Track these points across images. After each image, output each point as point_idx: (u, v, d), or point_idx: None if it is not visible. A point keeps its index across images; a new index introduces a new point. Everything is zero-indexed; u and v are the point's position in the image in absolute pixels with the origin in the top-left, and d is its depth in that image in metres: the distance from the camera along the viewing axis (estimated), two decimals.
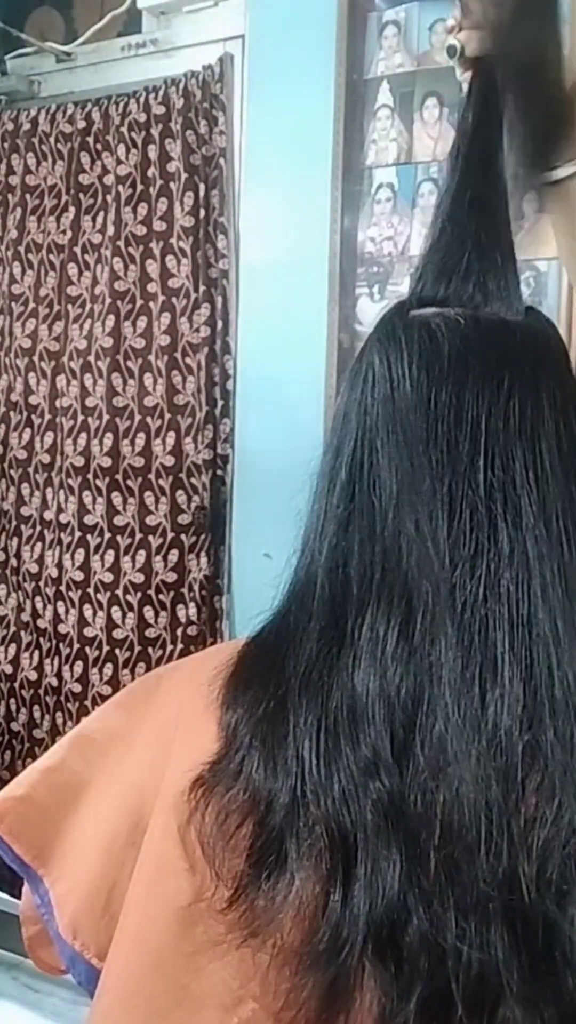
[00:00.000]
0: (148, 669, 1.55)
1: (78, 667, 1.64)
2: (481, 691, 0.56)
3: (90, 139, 1.63)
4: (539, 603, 0.57)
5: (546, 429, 0.60)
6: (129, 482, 1.59)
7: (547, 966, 0.51)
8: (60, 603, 1.67)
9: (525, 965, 0.51)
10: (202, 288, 1.52)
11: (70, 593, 1.65)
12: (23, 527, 1.73)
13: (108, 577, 1.60)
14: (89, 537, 1.62)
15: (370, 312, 1.38)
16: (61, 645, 1.67)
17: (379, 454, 0.62)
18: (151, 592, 1.57)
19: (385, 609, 0.59)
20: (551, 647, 0.56)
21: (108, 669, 1.61)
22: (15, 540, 1.74)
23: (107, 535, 1.60)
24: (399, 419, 0.61)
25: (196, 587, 1.55)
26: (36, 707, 1.73)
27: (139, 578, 1.58)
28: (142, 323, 1.57)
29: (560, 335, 0.66)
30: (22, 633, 1.75)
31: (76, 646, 1.64)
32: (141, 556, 1.58)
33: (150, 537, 1.57)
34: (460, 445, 0.60)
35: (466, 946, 0.51)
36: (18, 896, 0.74)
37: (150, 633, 1.59)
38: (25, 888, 0.71)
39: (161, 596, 1.57)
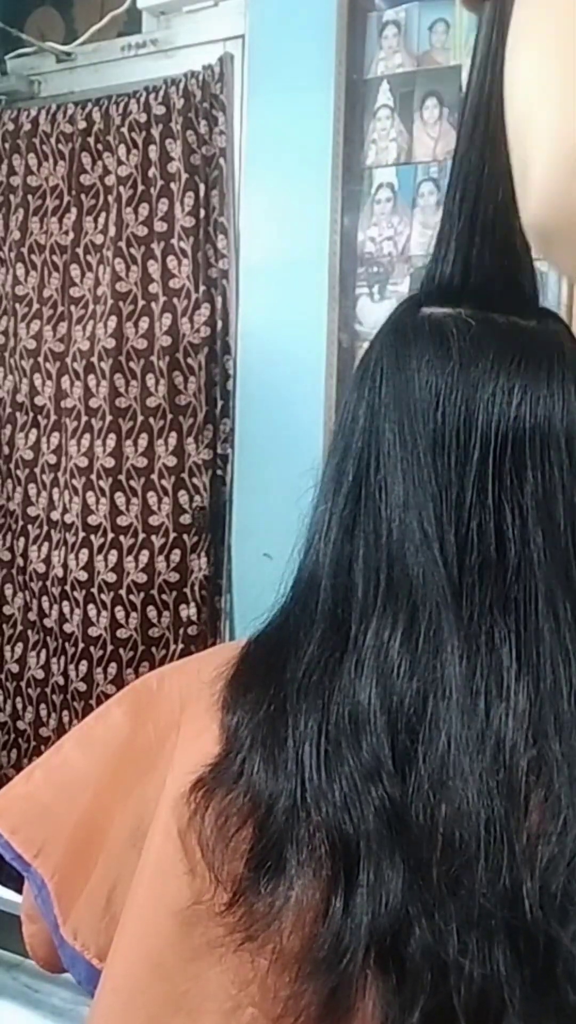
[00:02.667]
0: (151, 668, 1.55)
1: (83, 666, 1.65)
2: (486, 704, 0.55)
3: (91, 139, 1.63)
4: (546, 616, 0.56)
5: (557, 438, 0.58)
6: (132, 483, 1.59)
7: (549, 983, 0.50)
8: (65, 603, 1.67)
9: (527, 981, 0.50)
10: (202, 288, 1.51)
11: (75, 593, 1.65)
12: (30, 527, 1.73)
13: (111, 577, 1.60)
14: (93, 537, 1.63)
15: (370, 312, 1.38)
16: (67, 644, 1.68)
17: (387, 457, 0.61)
18: (154, 592, 1.58)
19: (389, 616, 0.58)
20: (558, 661, 0.55)
21: (112, 668, 1.62)
22: (22, 540, 1.75)
23: (110, 535, 1.60)
24: (408, 422, 0.60)
25: (197, 587, 1.56)
26: (42, 705, 1.73)
27: (142, 578, 1.58)
28: (144, 324, 1.57)
29: (575, 338, 0.64)
30: (29, 632, 1.75)
31: (81, 645, 1.65)
32: (144, 556, 1.58)
33: (152, 537, 1.57)
34: (470, 451, 0.58)
35: (468, 961, 0.50)
36: (21, 893, 0.74)
37: (153, 633, 1.59)
38: (26, 886, 0.71)
39: (164, 596, 1.58)
